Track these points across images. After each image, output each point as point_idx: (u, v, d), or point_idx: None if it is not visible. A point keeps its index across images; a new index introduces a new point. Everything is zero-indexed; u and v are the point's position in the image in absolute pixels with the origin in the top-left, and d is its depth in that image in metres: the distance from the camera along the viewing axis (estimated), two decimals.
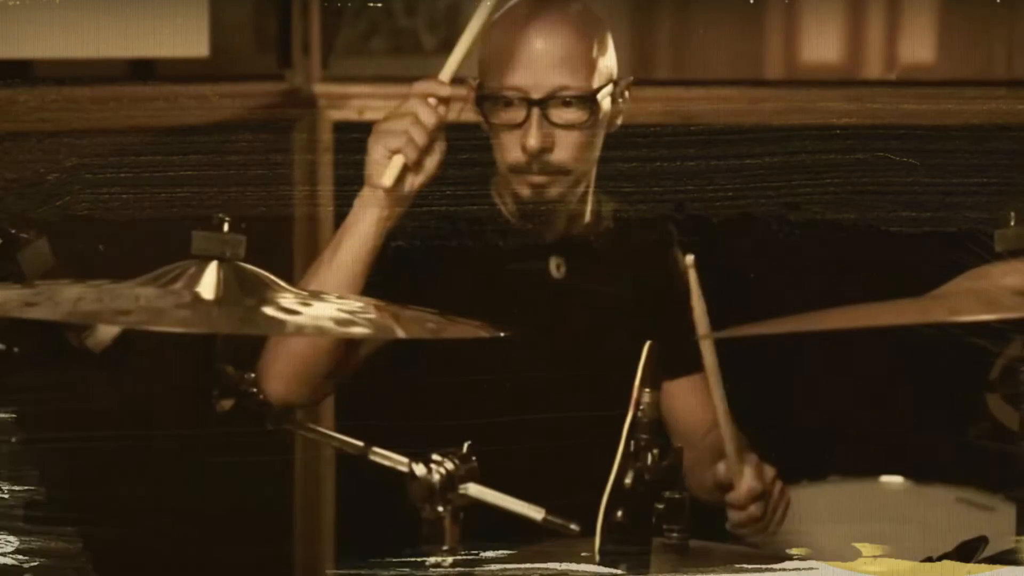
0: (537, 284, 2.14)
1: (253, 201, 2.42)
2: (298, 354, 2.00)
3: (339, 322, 1.47)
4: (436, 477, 1.42)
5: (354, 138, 2.33)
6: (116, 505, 2.32)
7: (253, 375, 1.61)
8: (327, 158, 2.75)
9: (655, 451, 1.43)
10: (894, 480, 2.41)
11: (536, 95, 1.99)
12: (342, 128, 2.79)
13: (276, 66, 2.87)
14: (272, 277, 1.52)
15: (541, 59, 2.00)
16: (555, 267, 2.16)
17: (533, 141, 1.98)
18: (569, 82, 2.00)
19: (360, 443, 1.51)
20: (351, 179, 2.32)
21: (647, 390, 1.44)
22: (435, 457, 1.42)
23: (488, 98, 2.05)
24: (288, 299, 1.47)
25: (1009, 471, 1.88)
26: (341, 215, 2.31)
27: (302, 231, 2.83)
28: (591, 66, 2.03)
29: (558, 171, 2.03)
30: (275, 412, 1.61)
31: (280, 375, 1.98)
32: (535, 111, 1.99)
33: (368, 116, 2.75)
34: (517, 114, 2.01)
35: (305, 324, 1.45)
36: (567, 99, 2.01)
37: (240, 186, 2.45)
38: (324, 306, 1.51)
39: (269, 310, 1.43)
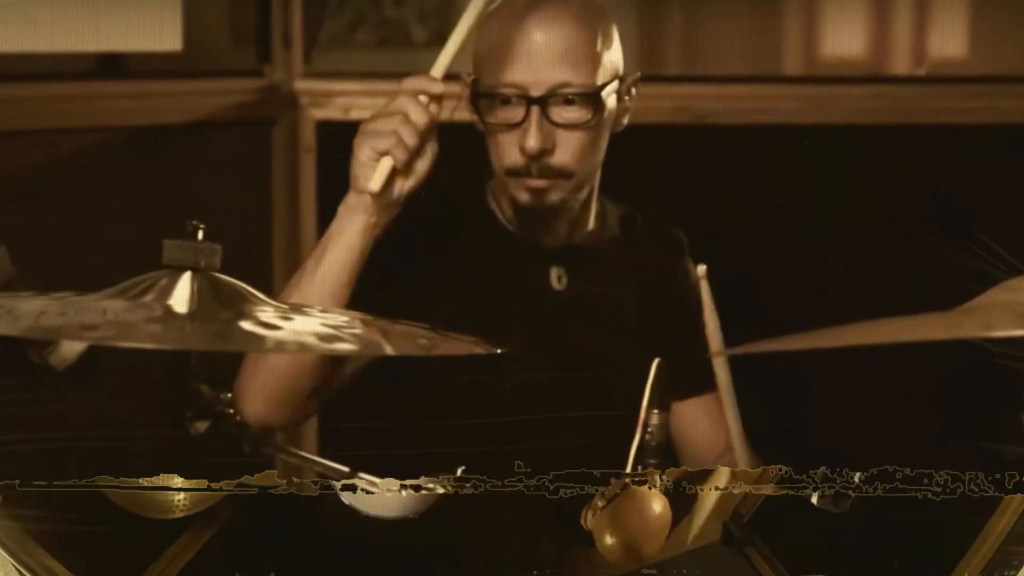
0: (537, 296, 2.13)
1: (230, 205, 2.51)
2: (279, 372, 1.99)
3: (322, 337, 1.47)
4: None
5: (338, 138, 2.32)
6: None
7: (229, 395, 1.61)
8: (309, 159, 2.75)
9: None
10: None
11: (535, 92, 1.98)
12: (326, 127, 2.79)
13: (255, 61, 2.85)
14: (250, 289, 1.51)
15: (541, 54, 1.99)
16: (556, 278, 2.15)
17: (532, 142, 1.97)
18: (571, 78, 1.99)
19: (346, 468, 1.51)
20: (335, 181, 2.30)
21: (655, 411, 1.44)
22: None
23: (484, 96, 2.04)
24: (267, 313, 1.47)
25: None
26: (324, 220, 2.32)
27: (282, 237, 2.82)
28: (595, 61, 2.01)
29: (559, 174, 2.02)
30: (253, 434, 1.61)
31: (259, 395, 1.98)
32: (535, 110, 1.98)
33: (354, 115, 2.74)
34: (515, 113, 2.00)
35: (286, 340, 1.44)
36: (569, 97, 2.00)
37: (216, 189, 2.53)
38: (306, 320, 1.50)
39: (246, 325, 1.43)
